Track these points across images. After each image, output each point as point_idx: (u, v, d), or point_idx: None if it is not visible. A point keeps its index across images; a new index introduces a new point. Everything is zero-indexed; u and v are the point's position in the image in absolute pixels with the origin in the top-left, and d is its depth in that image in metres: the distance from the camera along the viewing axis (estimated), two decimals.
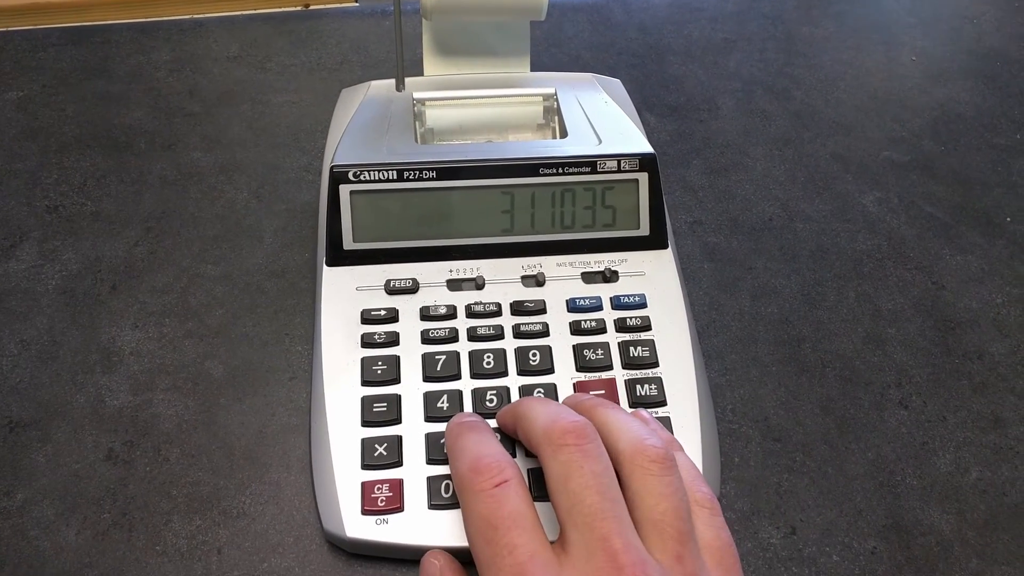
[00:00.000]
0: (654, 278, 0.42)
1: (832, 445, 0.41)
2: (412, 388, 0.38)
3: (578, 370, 0.38)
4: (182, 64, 0.60)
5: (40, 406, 0.40)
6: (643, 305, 0.41)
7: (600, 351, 0.39)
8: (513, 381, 0.38)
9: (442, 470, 0.35)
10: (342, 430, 0.37)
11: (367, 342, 0.39)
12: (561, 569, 0.27)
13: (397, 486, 0.35)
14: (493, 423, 0.36)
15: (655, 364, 0.39)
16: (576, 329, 0.40)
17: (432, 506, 0.34)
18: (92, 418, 0.40)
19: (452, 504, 0.34)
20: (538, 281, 0.41)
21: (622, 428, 0.31)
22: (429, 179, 0.41)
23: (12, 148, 0.53)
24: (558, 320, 0.40)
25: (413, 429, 0.37)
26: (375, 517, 0.34)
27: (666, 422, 0.37)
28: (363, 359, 0.38)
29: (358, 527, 0.34)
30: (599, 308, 0.41)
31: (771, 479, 0.39)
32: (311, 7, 0.69)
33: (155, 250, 0.48)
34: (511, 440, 0.35)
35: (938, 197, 0.53)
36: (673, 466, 0.30)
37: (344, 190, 0.41)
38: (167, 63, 0.61)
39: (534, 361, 0.38)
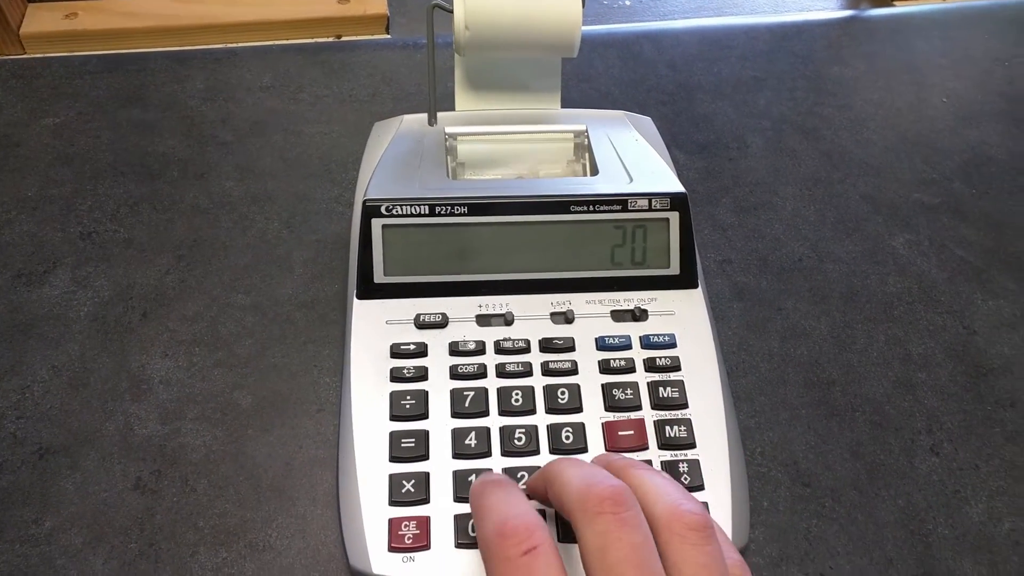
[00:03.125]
0: (684, 318, 0.42)
1: (862, 491, 0.40)
2: (440, 424, 0.38)
3: (607, 409, 0.38)
4: (215, 93, 0.61)
5: (70, 433, 0.41)
6: (673, 345, 0.40)
7: (629, 391, 0.39)
8: (541, 419, 0.38)
9: (469, 508, 0.35)
10: (370, 465, 0.36)
11: (396, 376, 0.39)
12: None
13: (424, 523, 0.35)
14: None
15: (684, 405, 0.38)
16: (605, 368, 0.40)
17: (459, 544, 0.34)
18: (121, 446, 0.40)
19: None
20: (567, 318, 0.41)
21: (659, 492, 0.29)
22: (460, 214, 0.41)
23: (48, 174, 0.54)
24: (587, 358, 0.40)
25: (441, 466, 0.36)
26: (402, 554, 0.34)
27: (695, 464, 0.37)
28: (392, 393, 0.38)
29: (385, 564, 0.34)
30: (628, 347, 0.40)
31: (800, 525, 0.39)
32: (343, 38, 0.70)
33: (186, 278, 0.48)
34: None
35: (969, 240, 0.53)
36: (712, 534, 0.28)
37: (376, 224, 0.41)
38: (201, 92, 0.61)
39: (563, 399, 0.38)
